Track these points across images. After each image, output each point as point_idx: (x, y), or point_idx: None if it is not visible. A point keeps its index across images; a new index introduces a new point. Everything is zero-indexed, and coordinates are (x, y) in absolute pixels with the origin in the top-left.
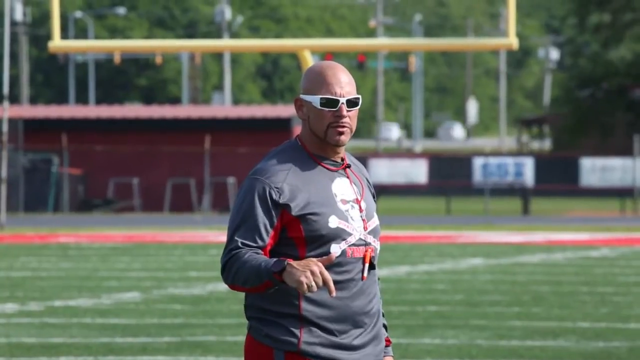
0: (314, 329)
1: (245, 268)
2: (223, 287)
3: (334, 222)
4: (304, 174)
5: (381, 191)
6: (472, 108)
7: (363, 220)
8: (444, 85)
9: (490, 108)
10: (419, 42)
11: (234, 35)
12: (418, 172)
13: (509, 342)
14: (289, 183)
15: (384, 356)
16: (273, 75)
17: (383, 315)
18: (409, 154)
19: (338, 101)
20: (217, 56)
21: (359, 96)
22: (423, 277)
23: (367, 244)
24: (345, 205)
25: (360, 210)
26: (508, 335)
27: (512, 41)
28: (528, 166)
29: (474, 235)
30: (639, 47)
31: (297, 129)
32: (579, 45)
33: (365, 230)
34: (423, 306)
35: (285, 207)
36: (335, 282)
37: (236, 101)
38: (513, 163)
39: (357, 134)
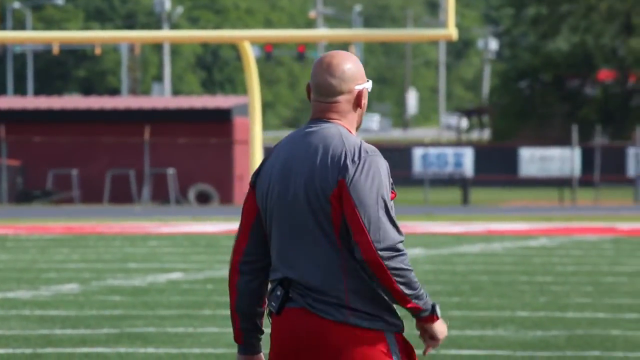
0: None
1: (413, 275)
2: (163, 278)
3: None
4: None
5: None
6: (412, 99)
7: None
8: (384, 76)
9: (430, 98)
10: (359, 33)
11: (174, 26)
12: None
13: (448, 332)
14: None
15: None
16: (213, 66)
17: None
18: None
19: None
20: (157, 47)
21: None
22: None
23: None
24: None
25: None
26: (448, 325)
27: (451, 32)
28: (467, 156)
29: (414, 226)
30: (575, 38)
31: (238, 120)
32: (516, 37)
33: None
34: None
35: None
36: None
37: (176, 92)
38: (452, 153)
39: (297, 125)
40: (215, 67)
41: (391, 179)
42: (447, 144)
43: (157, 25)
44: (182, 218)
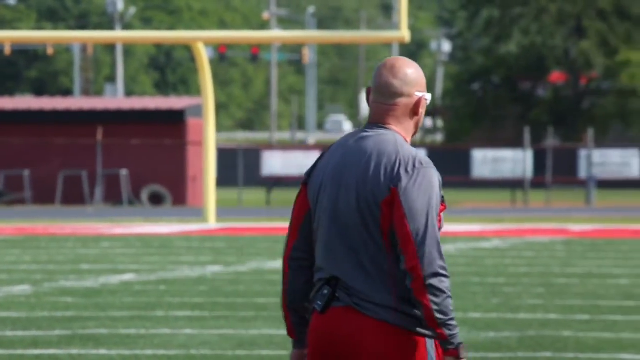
0: None
1: (449, 302)
2: (115, 279)
3: None
4: None
5: (275, 183)
6: (365, 100)
7: None
8: (337, 78)
9: None
10: (312, 35)
11: (127, 26)
12: (311, 163)
13: None
14: None
15: None
16: (166, 67)
17: None
18: (303, 146)
19: None
20: (110, 48)
21: None
22: None
23: None
24: None
25: None
26: None
27: (404, 34)
28: None
29: None
30: (527, 41)
31: (191, 122)
32: (468, 41)
33: None
34: None
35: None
36: None
37: (129, 93)
38: None
39: (250, 126)
40: (169, 68)
41: (442, 192)
42: None
43: (110, 26)
44: (134, 219)
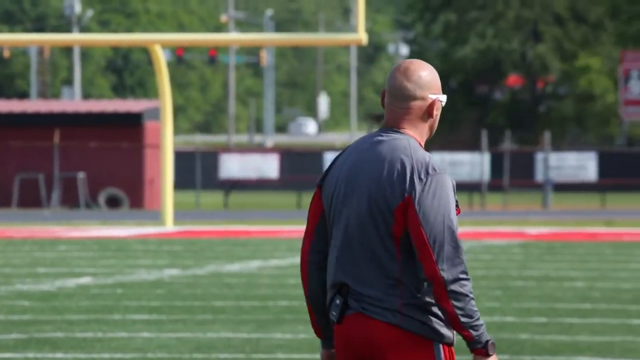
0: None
1: (472, 304)
2: (72, 283)
3: None
4: None
5: (233, 186)
6: (323, 103)
7: None
8: (295, 80)
9: (341, 103)
10: (270, 37)
11: (84, 29)
12: (269, 167)
13: None
14: None
15: None
16: (123, 69)
17: None
18: (261, 149)
19: None
20: (67, 50)
21: None
22: (274, 272)
23: None
24: None
25: None
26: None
27: (362, 37)
28: None
29: None
30: (483, 45)
31: (149, 125)
32: (425, 45)
33: None
34: (274, 301)
35: None
36: None
37: (86, 96)
38: None
39: (208, 129)
40: (126, 71)
41: (456, 197)
42: None
43: (67, 29)
44: (91, 222)
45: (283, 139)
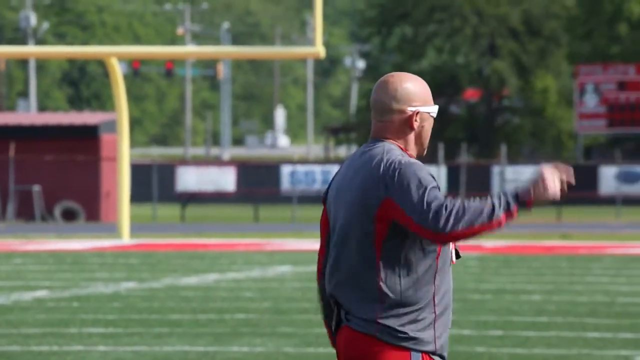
0: (443, 328)
1: (477, 209)
2: (28, 296)
3: None
4: None
5: (189, 199)
6: (280, 116)
7: None
8: (252, 93)
9: (298, 116)
10: (227, 50)
11: (40, 41)
12: (226, 179)
13: (316, 350)
14: None
15: None
16: (80, 82)
17: None
18: (217, 161)
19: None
20: (22, 62)
21: None
22: (231, 285)
23: None
24: None
25: None
26: (315, 342)
27: (319, 50)
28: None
29: (282, 243)
30: (440, 60)
31: (105, 137)
32: (381, 60)
33: None
34: (231, 314)
35: None
36: (443, 269)
37: (42, 108)
38: (320, 171)
39: (165, 142)
40: (82, 83)
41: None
42: (315, 161)
43: (23, 41)
44: (47, 235)
45: (240, 152)
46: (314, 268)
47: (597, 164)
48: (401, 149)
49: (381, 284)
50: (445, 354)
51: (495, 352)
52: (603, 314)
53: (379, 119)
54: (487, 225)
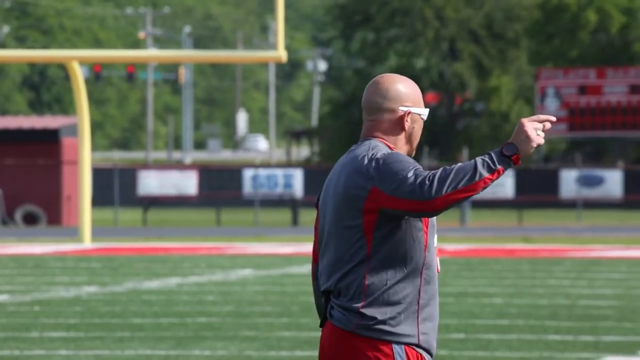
0: (427, 322)
1: (459, 170)
2: None
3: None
4: None
5: (151, 202)
6: (242, 120)
7: None
8: (214, 97)
9: (260, 120)
10: (189, 54)
11: (0, 45)
12: (188, 183)
13: (278, 353)
14: None
15: None
16: (40, 86)
17: None
18: (179, 165)
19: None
20: None
21: None
22: (193, 289)
23: None
24: None
25: None
26: (277, 346)
27: (281, 54)
28: (297, 177)
29: (244, 247)
30: (402, 63)
31: (66, 141)
32: (343, 63)
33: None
34: (193, 318)
35: None
36: (430, 280)
37: (2, 112)
38: (282, 174)
39: (126, 146)
40: (43, 87)
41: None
42: (277, 165)
43: None
44: (8, 239)
45: (202, 156)
46: (276, 272)
47: (557, 167)
48: (389, 147)
49: (368, 277)
50: (432, 350)
51: (457, 356)
52: (564, 316)
53: (369, 118)
54: (472, 186)
